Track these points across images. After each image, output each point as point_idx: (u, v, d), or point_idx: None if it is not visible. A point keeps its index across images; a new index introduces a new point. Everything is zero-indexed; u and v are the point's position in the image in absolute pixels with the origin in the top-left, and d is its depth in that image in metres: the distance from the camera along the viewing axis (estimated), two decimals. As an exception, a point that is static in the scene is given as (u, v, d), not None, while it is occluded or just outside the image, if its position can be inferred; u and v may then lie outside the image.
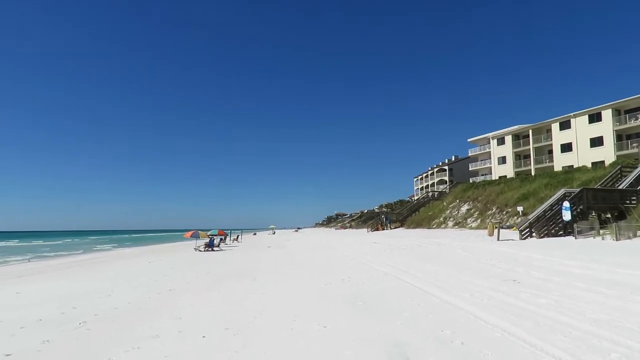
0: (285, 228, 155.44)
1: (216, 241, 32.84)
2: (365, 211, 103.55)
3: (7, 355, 5.64)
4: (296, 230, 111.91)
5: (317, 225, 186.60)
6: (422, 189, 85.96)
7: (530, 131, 49.36)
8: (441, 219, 42.87)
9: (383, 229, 51.56)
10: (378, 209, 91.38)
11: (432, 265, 13.19)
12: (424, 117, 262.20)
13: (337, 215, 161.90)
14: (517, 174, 49.59)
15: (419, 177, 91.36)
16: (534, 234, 21.49)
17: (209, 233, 33.38)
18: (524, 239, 21.31)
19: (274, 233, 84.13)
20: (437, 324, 6.28)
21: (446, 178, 75.72)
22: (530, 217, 22.59)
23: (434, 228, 40.79)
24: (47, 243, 65.50)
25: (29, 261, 29.23)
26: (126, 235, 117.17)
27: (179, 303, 9.16)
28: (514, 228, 25.05)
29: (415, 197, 76.81)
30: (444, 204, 47.13)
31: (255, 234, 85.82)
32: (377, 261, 15.63)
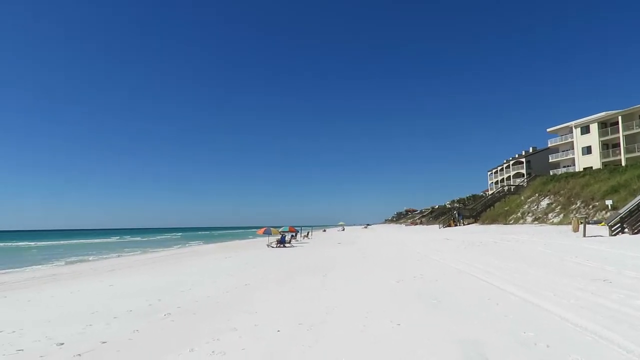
0: (354, 225, 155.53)
1: (287, 238, 33.60)
2: (436, 207, 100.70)
3: (103, 342, 6.16)
4: (365, 227, 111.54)
5: (387, 221, 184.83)
6: (496, 182, 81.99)
7: (620, 117, 45.17)
8: (519, 214, 40.62)
9: (455, 225, 49.91)
10: (450, 204, 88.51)
11: (509, 263, 12.52)
12: (496, 107, 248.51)
13: (406, 211, 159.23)
14: (604, 164, 45.67)
15: (494, 170, 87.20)
16: (626, 230, 19.67)
17: (280, 230, 34.24)
18: (614, 235, 19.58)
19: (344, 230, 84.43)
20: (517, 325, 5.94)
21: (523, 171, 71.60)
22: (621, 211, 20.69)
23: (511, 224, 38.75)
24: (133, 240, 70.78)
25: (119, 256, 31.78)
26: (207, 232, 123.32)
27: (254, 297, 9.48)
28: (602, 223, 23.13)
29: (490, 192, 73.39)
30: (522, 198, 44.61)
31: (324, 230, 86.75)
32: (450, 258, 15.15)
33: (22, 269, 23.54)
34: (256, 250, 28.60)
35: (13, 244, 63.36)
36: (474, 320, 6.31)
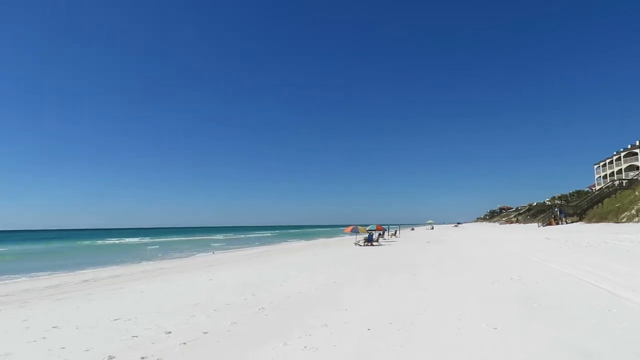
0: (443, 223, 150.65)
1: (375, 236, 33.45)
2: (534, 204, 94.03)
3: (205, 332, 6.60)
4: (456, 225, 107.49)
5: (479, 220, 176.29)
6: (605, 177, 74.37)
7: None
8: (633, 211, 36.45)
9: (557, 224, 46.15)
10: (549, 201, 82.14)
11: (623, 265, 11.28)
12: (603, 94, 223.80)
13: (500, 209, 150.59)
14: None
15: (601, 163, 79.17)
16: None
17: (367, 228, 34.18)
18: None
19: (432, 228, 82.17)
20: (637, 335, 5.33)
21: (638, 163, 64.23)
22: None
23: (623, 222, 34.89)
24: (225, 237, 75.01)
25: (213, 253, 33.89)
26: (298, 231, 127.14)
27: (343, 295, 9.56)
28: None
29: (597, 187, 66.83)
30: (637, 193, 39.98)
31: (413, 229, 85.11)
32: (552, 259, 14.02)
33: (132, 264, 26.07)
34: (344, 248, 28.84)
35: (117, 240, 70.31)
36: (583, 328, 5.77)
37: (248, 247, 42.69)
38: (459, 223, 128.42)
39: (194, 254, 33.17)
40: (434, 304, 8.02)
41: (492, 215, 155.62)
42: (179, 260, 27.68)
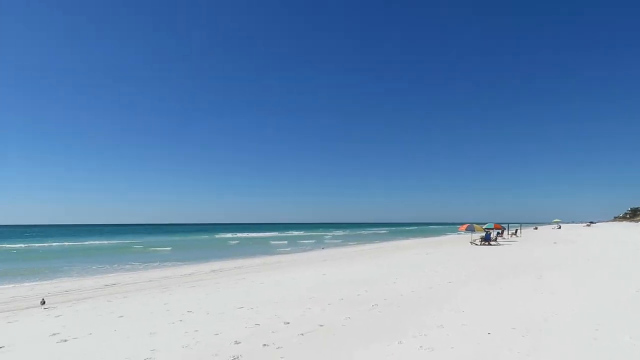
0: (572, 222, 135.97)
1: (492, 235, 31.53)
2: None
3: (321, 325, 6.83)
4: (588, 225, 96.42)
5: (616, 219, 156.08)
6: None
7: None
8: None
9: None
10: None
11: None
12: None
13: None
14: None
15: None
16: None
17: (484, 227, 32.35)
18: None
19: (559, 227, 74.74)
20: None
21: None
22: None
23: None
24: (342, 234, 76.52)
25: (323, 249, 34.81)
26: (415, 228, 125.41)
27: (459, 295, 9.18)
28: None
29: None
30: None
31: (536, 228, 78.41)
32: None
33: (253, 257, 27.93)
34: (458, 247, 27.66)
35: (222, 235, 75.58)
36: None
37: (360, 243, 43.11)
38: (591, 222, 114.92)
39: (308, 249, 34.48)
40: (564, 310, 7.31)
41: (635, 214, 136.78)
42: (295, 254, 28.98)
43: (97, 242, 52.06)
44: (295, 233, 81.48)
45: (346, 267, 16.99)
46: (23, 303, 11.02)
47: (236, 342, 5.93)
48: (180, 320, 7.57)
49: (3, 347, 6.21)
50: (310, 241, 48.95)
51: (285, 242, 48.06)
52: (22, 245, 44.36)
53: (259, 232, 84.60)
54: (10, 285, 15.48)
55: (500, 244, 29.46)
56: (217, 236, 68.76)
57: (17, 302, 11.20)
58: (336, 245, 40.98)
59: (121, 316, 8.23)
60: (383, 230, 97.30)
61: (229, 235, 70.10)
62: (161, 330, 6.86)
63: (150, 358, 5.33)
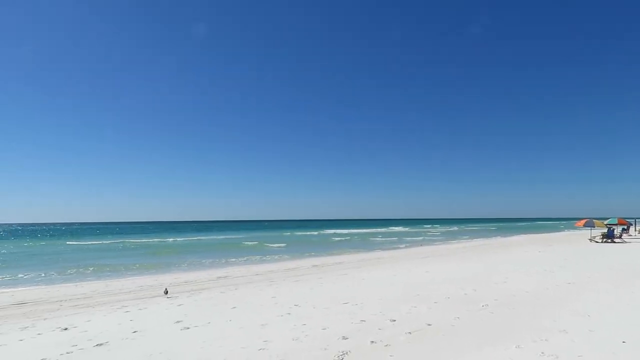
0: None
1: (616, 231, 28.30)
2: None
3: (429, 324, 6.63)
4: None
5: None
6: None
7: None
8: None
9: None
10: None
11: None
12: None
13: None
14: None
15: None
16: None
17: (606, 222, 29.11)
18: None
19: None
20: None
21: None
22: None
23: None
24: (428, 230, 74.16)
25: (421, 245, 33.93)
26: (527, 224, 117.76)
27: (582, 298, 8.34)
28: None
29: None
30: None
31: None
32: None
33: (352, 252, 28.16)
34: (575, 245, 25.23)
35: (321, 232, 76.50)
36: None
37: (462, 240, 41.36)
38: None
39: (407, 246, 33.91)
40: None
41: None
42: (393, 250, 28.66)
43: (206, 237, 56.38)
44: (395, 229, 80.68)
45: (450, 264, 16.36)
46: (149, 292, 12.25)
47: (344, 338, 5.98)
48: (288, 314, 7.85)
49: (137, 331, 6.94)
50: (408, 238, 48.07)
51: (382, 238, 47.77)
52: (144, 240, 49.56)
53: (357, 229, 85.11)
54: (138, 277, 17.34)
55: (626, 242, 26.34)
56: (320, 233, 70.53)
57: (144, 291, 12.48)
58: (436, 241, 39.76)
59: (234, 307, 8.76)
60: (490, 227, 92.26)
61: (331, 231, 71.51)
62: (271, 322, 7.16)
63: (264, 349, 5.59)
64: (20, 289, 14.47)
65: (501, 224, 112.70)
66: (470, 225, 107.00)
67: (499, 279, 11.41)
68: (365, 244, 37.30)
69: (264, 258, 24.71)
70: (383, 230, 75.73)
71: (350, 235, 55.17)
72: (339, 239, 47.80)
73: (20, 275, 18.30)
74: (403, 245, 33.85)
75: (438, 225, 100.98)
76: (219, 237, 57.91)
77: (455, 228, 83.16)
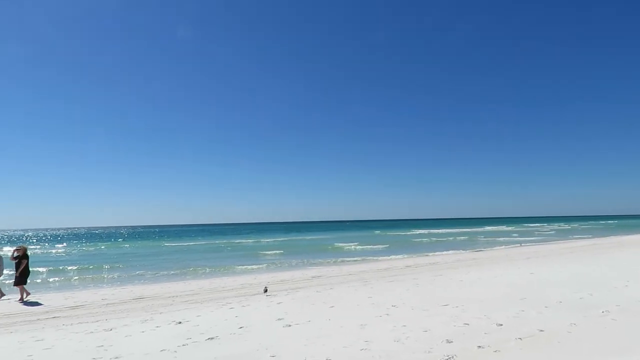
0: None
1: None
2: None
3: (540, 330, 6.15)
4: None
5: None
6: None
7: None
8: None
9: None
10: None
11: None
12: None
13: None
14: None
15: None
16: None
17: None
18: None
19: None
20: None
21: None
22: None
23: None
24: (528, 229, 68.98)
25: (521, 245, 31.70)
26: (626, 221, 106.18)
27: None
28: None
29: None
30: None
31: None
32: None
33: (445, 252, 27.20)
34: None
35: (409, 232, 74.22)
36: None
37: (566, 240, 38.10)
38: None
39: (504, 246, 32.03)
40: None
41: None
42: (490, 251, 27.20)
43: (296, 238, 57.99)
44: (490, 228, 76.71)
45: (557, 265, 15.12)
46: (250, 290, 12.84)
47: (447, 341, 5.76)
48: (387, 314, 7.76)
49: (243, 327, 7.31)
50: (505, 238, 45.36)
51: (478, 238, 45.58)
52: (239, 241, 52.26)
53: (449, 228, 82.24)
54: (238, 276, 18.31)
55: None
56: (410, 233, 69.33)
57: (245, 289, 13.11)
58: (536, 241, 37.02)
59: (332, 307, 8.87)
60: (597, 225, 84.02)
61: (418, 232, 69.90)
62: (370, 323, 7.13)
63: (366, 349, 5.57)
64: (136, 285, 15.98)
65: (610, 222, 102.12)
66: (571, 222, 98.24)
67: (618, 282, 10.29)
68: (459, 244, 35.88)
69: (354, 258, 24.80)
70: (478, 229, 72.28)
71: (441, 235, 53.39)
72: (430, 239, 46.47)
73: (133, 273, 20.22)
74: (502, 246, 31.98)
75: (545, 224, 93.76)
76: (307, 237, 59.29)
77: (566, 226, 77.05)
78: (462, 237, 46.73)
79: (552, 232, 58.12)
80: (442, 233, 60.59)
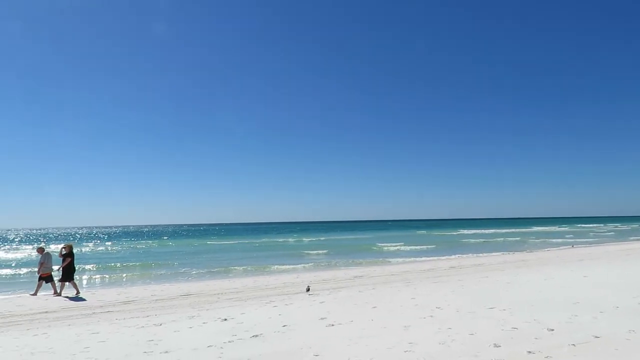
0: None
1: None
2: None
3: (596, 337, 5.84)
4: None
5: None
6: None
7: None
8: None
9: None
10: None
11: None
12: None
13: None
14: None
15: None
16: None
17: None
18: None
19: None
20: None
21: None
22: None
23: None
24: (577, 229, 65.67)
25: (572, 246, 30.27)
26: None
27: None
28: None
29: None
30: None
31: None
32: None
33: (492, 253, 26.39)
34: None
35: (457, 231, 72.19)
36: None
37: (623, 241, 36.06)
38: None
39: (554, 247, 30.74)
40: None
41: None
42: (540, 252, 26.17)
43: (336, 237, 58.05)
44: (539, 229, 73.84)
45: (613, 268, 14.33)
46: (292, 289, 12.98)
47: (495, 345, 5.58)
48: (431, 316, 7.62)
49: (286, 325, 7.39)
50: (556, 239, 43.49)
51: (524, 238, 43.97)
52: (279, 240, 52.92)
53: (493, 228, 79.88)
54: (280, 274, 18.55)
55: None
56: (452, 233, 67.93)
57: (287, 288, 13.26)
58: (591, 242, 35.28)
59: (375, 307, 8.81)
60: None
61: (464, 232, 68.26)
62: (414, 324, 7.02)
63: (410, 351, 5.49)
64: (182, 282, 16.52)
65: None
66: (625, 223, 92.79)
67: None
68: (507, 245, 34.75)
69: (397, 258, 24.55)
70: (527, 230, 69.78)
71: (489, 236, 51.88)
72: (477, 239, 45.27)
73: (179, 271, 20.92)
74: (553, 247, 30.71)
75: (602, 225, 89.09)
76: (348, 237, 59.23)
77: (625, 227, 73.00)
78: (511, 238, 45.25)
79: (609, 233, 55.23)
80: (489, 233, 58.91)
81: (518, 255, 23.40)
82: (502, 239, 44.89)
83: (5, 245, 53.41)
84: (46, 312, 10.47)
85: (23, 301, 12.31)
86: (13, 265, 25.95)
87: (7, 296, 13.82)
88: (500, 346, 5.55)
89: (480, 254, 25.62)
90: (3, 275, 20.55)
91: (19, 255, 34.75)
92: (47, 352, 6.29)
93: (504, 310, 7.88)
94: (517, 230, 68.94)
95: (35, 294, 13.26)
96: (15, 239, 74.92)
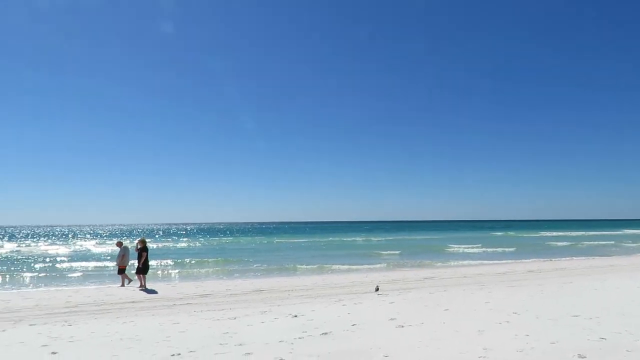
0: None
1: None
2: None
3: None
4: None
5: None
6: None
7: None
8: None
9: None
10: None
11: None
12: None
13: None
14: None
15: None
16: None
17: None
18: None
19: None
20: None
21: None
22: None
23: None
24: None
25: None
26: None
27: None
28: None
29: None
30: None
31: None
32: None
33: (578, 257, 24.57)
34: None
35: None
36: None
37: None
38: None
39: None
40: None
41: None
42: (633, 257, 23.94)
43: (405, 237, 57.06)
44: (629, 231, 67.60)
45: None
46: (361, 288, 12.95)
47: (580, 356, 5.19)
48: (507, 322, 7.25)
49: (355, 324, 7.39)
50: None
51: (611, 242, 40.46)
52: (344, 239, 52.98)
53: (576, 231, 74.28)
54: (350, 273, 18.59)
55: None
56: (533, 235, 64.24)
57: (356, 287, 13.26)
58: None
59: (447, 309, 8.55)
60: None
61: (545, 234, 64.22)
62: (489, 329, 6.72)
63: (485, 357, 5.26)
64: (254, 278, 17.09)
65: None
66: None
67: None
68: (592, 249, 32.18)
69: (469, 260, 23.65)
70: (615, 232, 64.13)
71: (574, 239, 48.29)
72: (562, 242, 42.36)
73: (251, 267, 21.67)
74: (631, 251, 28.01)
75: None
76: (417, 237, 57.98)
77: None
78: (601, 242, 41.79)
79: None
80: (575, 236, 54.87)
81: (608, 260, 21.58)
82: (590, 242, 41.58)
83: (95, 239, 59.04)
84: (133, 302, 11.32)
85: (112, 291, 13.41)
86: (102, 258, 28.40)
87: (99, 286, 15.13)
88: (585, 357, 5.16)
89: (564, 258, 23.93)
90: (94, 267, 22.54)
91: (107, 249, 37.92)
92: (133, 338, 6.79)
93: (590, 318, 7.31)
94: (608, 232, 63.42)
95: (123, 285, 14.39)
96: (104, 234, 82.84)
